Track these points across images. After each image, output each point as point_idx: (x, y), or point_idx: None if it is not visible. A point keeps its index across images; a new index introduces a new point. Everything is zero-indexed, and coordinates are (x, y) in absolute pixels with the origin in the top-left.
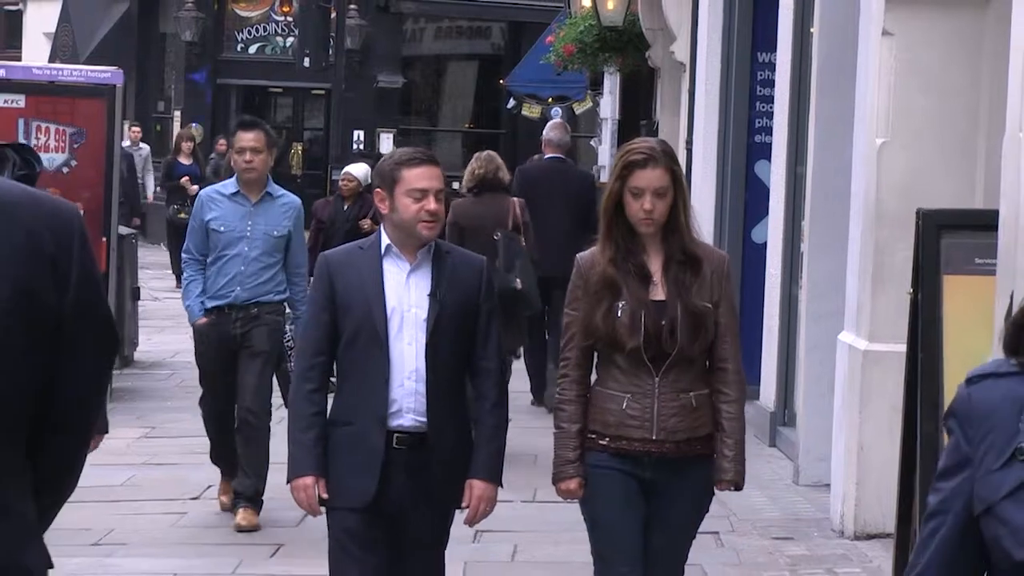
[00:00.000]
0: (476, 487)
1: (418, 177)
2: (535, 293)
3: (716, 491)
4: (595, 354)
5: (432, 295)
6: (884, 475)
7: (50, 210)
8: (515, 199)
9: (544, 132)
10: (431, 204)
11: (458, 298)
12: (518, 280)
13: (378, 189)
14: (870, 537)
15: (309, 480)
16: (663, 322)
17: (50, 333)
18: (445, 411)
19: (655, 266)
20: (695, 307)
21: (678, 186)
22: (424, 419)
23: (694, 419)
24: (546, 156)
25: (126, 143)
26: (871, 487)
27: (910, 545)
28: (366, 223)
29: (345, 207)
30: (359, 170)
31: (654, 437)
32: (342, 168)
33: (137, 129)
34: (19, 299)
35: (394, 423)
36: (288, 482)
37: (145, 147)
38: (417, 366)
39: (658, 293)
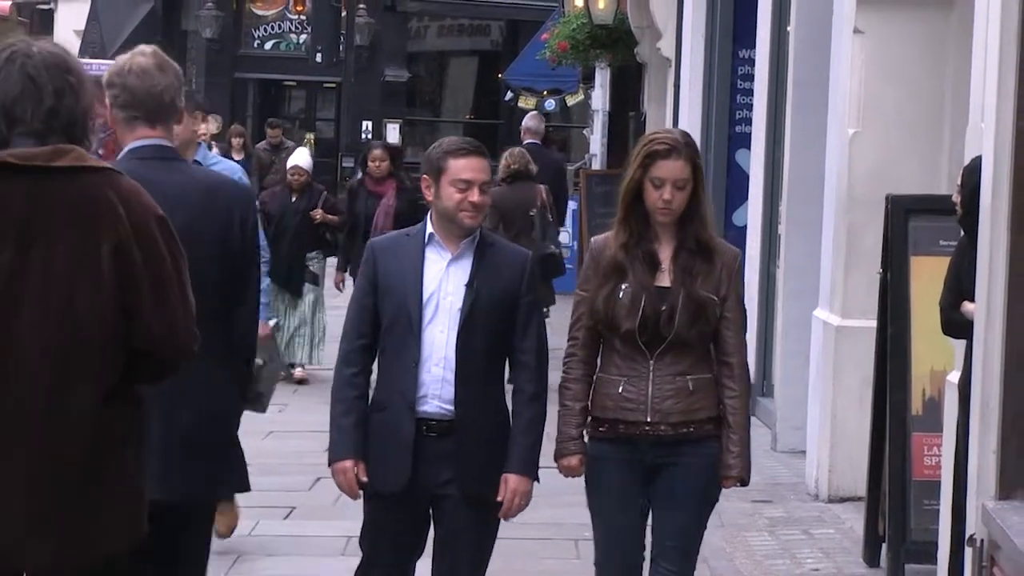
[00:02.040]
0: (510, 481)
1: (463, 168)
2: (560, 258)
3: (722, 485)
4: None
5: (469, 285)
6: (856, 442)
7: (235, 190)
8: (541, 185)
9: (523, 121)
10: (475, 195)
11: (497, 290)
12: (553, 247)
13: (424, 176)
14: (843, 500)
15: (348, 464)
16: (663, 307)
17: (233, 271)
18: (475, 400)
19: (665, 253)
20: (698, 295)
21: (698, 178)
22: (451, 407)
23: (690, 402)
24: (525, 141)
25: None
26: (843, 453)
27: (880, 507)
28: (317, 214)
29: (293, 199)
30: (307, 161)
31: (648, 419)
32: (352, 155)
33: (277, 130)
34: (218, 247)
35: (421, 408)
36: (329, 465)
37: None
38: (447, 354)
39: (664, 279)
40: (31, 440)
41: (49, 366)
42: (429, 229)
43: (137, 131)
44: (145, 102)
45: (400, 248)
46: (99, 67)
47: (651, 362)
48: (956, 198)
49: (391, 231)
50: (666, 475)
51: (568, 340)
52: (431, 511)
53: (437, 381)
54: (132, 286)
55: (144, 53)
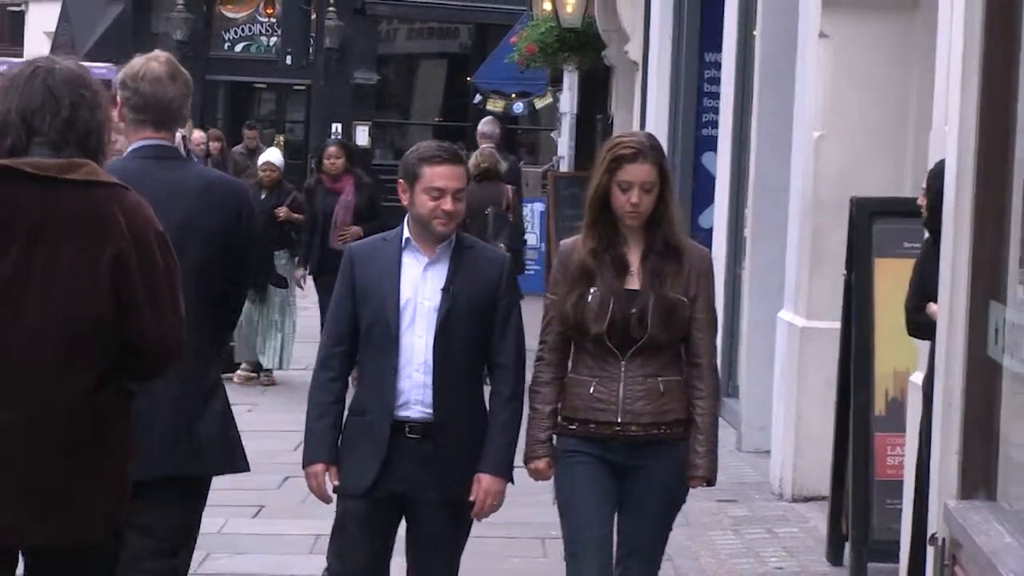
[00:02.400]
0: (484, 481)
1: (437, 176)
2: (520, 255)
3: (688, 485)
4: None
5: (445, 289)
6: (820, 443)
7: (233, 185)
8: (508, 186)
9: (479, 126)
10: (448, 204)
11: (475, 293)
12: (502, 245)
13: (400, 180)
14: (807, 499)
15: (319, 468)
16: (632, 310)
17: (233, 262)
18: (454, 404)
19: (634, 257)
20: (668, 298)
21: (665, 181)
22: (431, 411)
23: (661, 404)
24: (481, 146)
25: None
26: (808, 454)
27: (844, 506)
28: (281, 211)
29: (263, 196)
30: (279, 158)
31: (619, 420)
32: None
33: (254, 132)
34: (218, 238)
35: (402, 414)
36: (303, 468)
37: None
38: (426, 359)
39: (633, 283)
40: (28, 426)
41: (48, 358)
42: (406, 234)
43: (143, 132)
44: (155, 108)
45: (378, 253)
46: None
47: (623, 363)
48: (922, 201)
49: (351, 226)
50: (635, 478)
51: (539, 343)
52: (405, 511)
53: (418, 387)
54: (128, 291)
55: (159, 60)
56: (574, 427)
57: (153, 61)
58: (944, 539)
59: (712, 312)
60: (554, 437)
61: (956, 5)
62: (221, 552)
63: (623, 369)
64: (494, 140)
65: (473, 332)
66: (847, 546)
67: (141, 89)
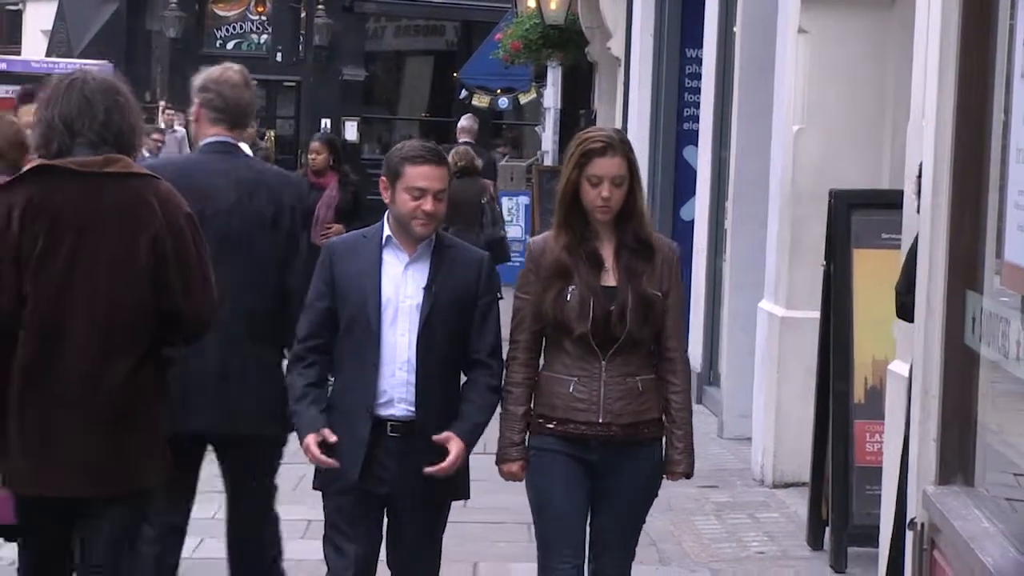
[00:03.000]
0: (456, 444)
1: (419, 176)
2: (504, 243)
3: (668, 479)
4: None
5: (427, 288)
6: (799, 430)
7: (284, 178)
8: (487, 181)
9: (459, 122)
10: (428, 204)
11: (455, 292)
12: (502, 231)
13: (383, 178)
14: (787, 486)
15: (309, 439)
16: (612, 307)
17: (283, 242)
18: (436, 402)
19: (607, 252)
20: (645, 293)
21: (634, 175)
22: (413, 409)
23: (640, 403)
24: (460, 140)
25: (160, 126)
26: (788, 441)
27: (823, 492)
28: None
29: None
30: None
31: (600, 420)
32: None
33: (172, 112)
34: (269, 220)
35: (384, 412)
36: (301, 446)
37: (180, 130)
38: (409, 357)
39: (609, 279)
40: (81, 397)
41: (96, 335)
42: (386, 231)
43: (216, 129)
44: (232, 111)
45: (357, 250)
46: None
47: (603, 363)
48: (915, 189)
49: (332, 223)
50: (610, 476)
51: (509, 343)
52: (387, 507)
53: (400, 384)
54: (165, 271)
55: (234, 70)
56: (552, 425)
57: (230, 70)
58: (923, 524)
59: (682, 305)
60: (527, 437)
61: (933, 1)
62: (215, 537)
63: (603, 368)
64: (472, 135)
65: (454, 330)
66: (827, 531)
67: (223, 92)
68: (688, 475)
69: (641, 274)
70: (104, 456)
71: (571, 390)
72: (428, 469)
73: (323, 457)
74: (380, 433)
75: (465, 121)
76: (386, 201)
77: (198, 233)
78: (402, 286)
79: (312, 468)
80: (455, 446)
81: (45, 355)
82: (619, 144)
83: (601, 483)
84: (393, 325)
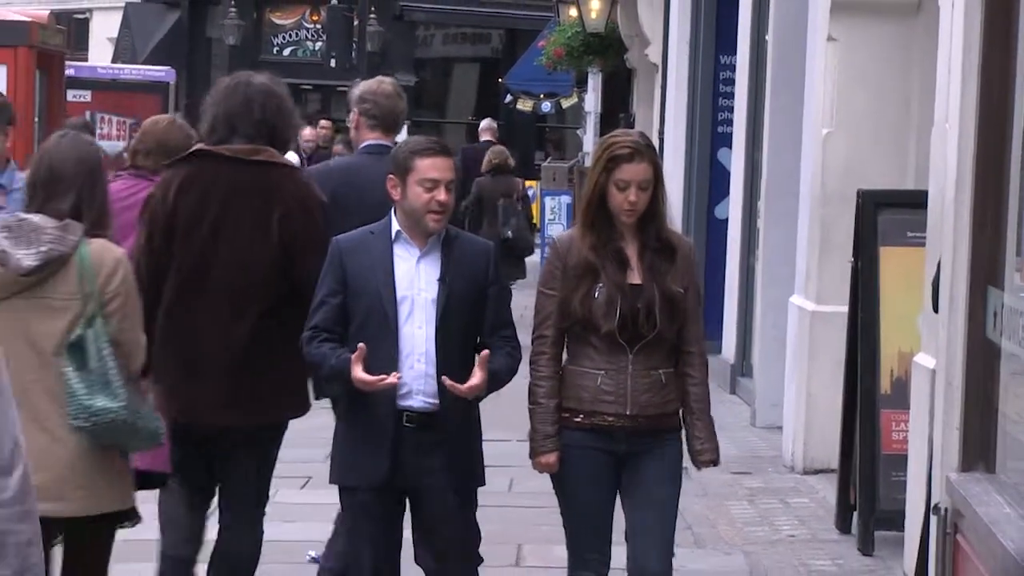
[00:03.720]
0: (480, 376)
1: (430, 167)
2: (527, 239)
3: (697, 469)
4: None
5: (441, 280)
6: (829, 419)
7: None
8: (519, 179)
9: (481, 124)
10: (441, 195)
11: (467, 282)
12: (509, 232)
13: (391, 175)
14: (817, 472)
15: (357, 370)
16: (639, 305)
17: None
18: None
19: (632, 252)
20: (670, 291)
21: (658, 178)
22: (435, 400)
23: (664, 395)
24: (483, 139)
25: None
26: (817, 429)
27: (851, 478)
28: None
29: None
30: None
31: (628, 412)
32: None
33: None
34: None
35: (404, 404)
36: (352, 383)
37: None
38: (427, 349)
39: (635, 278)
40: (213, 342)
41: (228, 291)
42: (395, 227)
43: (373, 134)
44: (387, 117)
45: (367, 246)
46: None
47: (630, 357)
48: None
49: None
50: (638, 463)
51: (535, 339)
52: (409, 497)
53: (420, 376)
54: (293, 242)
55: (388, 83)
56: (579, 419)
57: (384, 83)
58: (946, 509)
59: (700, 301)
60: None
61: (956, 10)
62: (272, 520)
63: (630, 363)
64: (493, 134)
65: (468, 320)
66: (855, 515)
67: (380, 102)
68: (715, 462)
69: (665, 272)
70: (233, 393)
71: (599, 383)
72: (450, 384)
73: (369, 379)
74: (399, 425)
75: (485, 123)
76: (395, 199)
77: (325, 217)
78: (416, 280)
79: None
80: (480, 374)
81: (186, 304)
82: (645, 149)
83: (628, 474)
84: (410, 318)
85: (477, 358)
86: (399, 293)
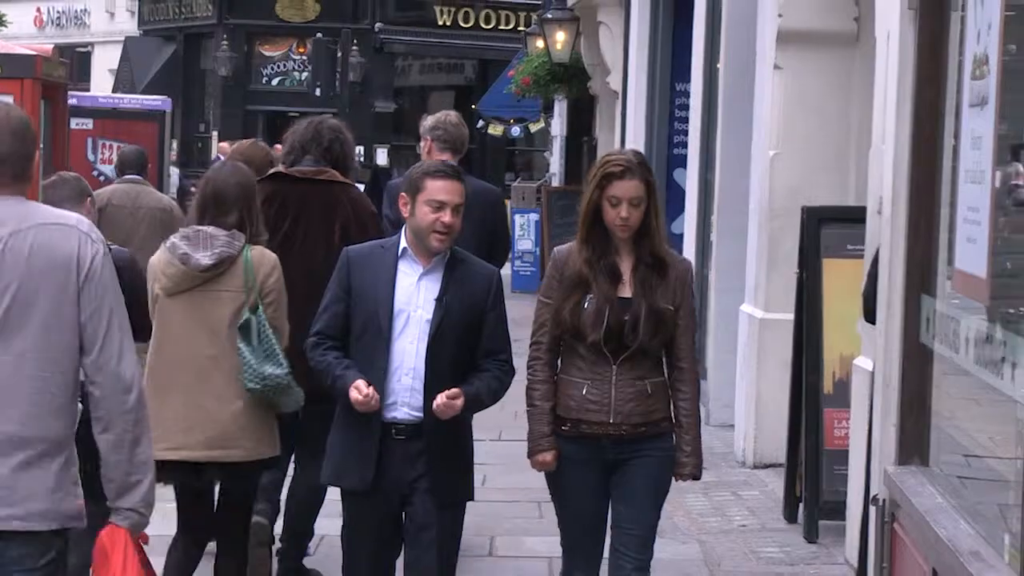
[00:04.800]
0: (459, 398)
1: (439, 189)
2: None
3: (676, 480)
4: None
5: (439, 299)
6: (776, 417)
7: (492, 191)
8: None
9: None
10: (447, 216)
11: (465, 304)
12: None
13: (403, 193)
14: (766, 466)
15: (360, 385)
16: (626, 318)
17: (489, 239)
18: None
19: (626, 267)
20: (657, 307)
21: (651, 195)
22: (419, 413)
23: (648, 404)
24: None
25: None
26: (766, 427)
27: (797, 472)
28: None
29: None
30: None
31: (611, 420)
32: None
33: (224, 145)
34: (481, 223)
35: (389, 415)
36: (349, 396)
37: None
38: (416, 364)
39: (625, 291)
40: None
41: (300, 291)
42: (403, 243)
43: (444, 155)
44: (454, 142)
45: (374, 259)
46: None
47: (614, 367)
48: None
49: None
50: (624, 469)
51: (532, 344)
52: (402, 507)
53: (406, 390)
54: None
55: (451, 115)
56: (566, 427)
57: (450, 114)
58: (885, 500)
59: (693, 318)
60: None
61: (891, 42)
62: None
63: (614, 373)
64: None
65: (462, 341)
66: (801, 506)
67: (448, 129)
68: (695, 476)
69: (655, 288)
70: (305, 380)
71: (584, 392)
72: (437, 402)
73: (370, 397)
74: (386, 436)
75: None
76: (404, 216)
77: (377, 227)
78: (415, 296)
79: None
80: (457, 400)
81: None
82: (637, 167)
83: (615, 476)
84: (403, 332)
85: (446, 394)
86: (396, 307)
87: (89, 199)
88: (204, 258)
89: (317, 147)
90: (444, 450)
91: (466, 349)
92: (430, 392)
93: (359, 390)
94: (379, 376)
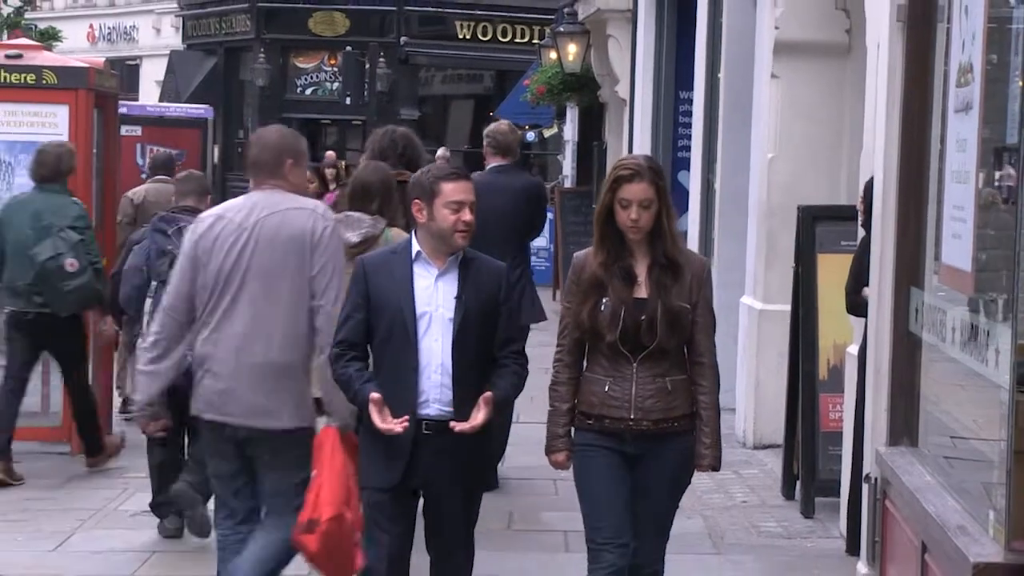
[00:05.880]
0: (488, 403)
1: (456, 191)
2: None
3: (697, 470)
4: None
5: (458, 298)
6: (774, 402)
7: (531, 181)
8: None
9: (438, 152)
10: (467, 215)
11: (481, 300)
12: None
13: (416, 200)
14: (765, 447)
15: (375, 417)
16: (642, 318)
17: (524, 228)
18: (470, 401)
19: (641, 268)
20: (673, 306)
21: (662, 197)
22: (450, 409)
23: (669, 401)
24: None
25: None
26: (765, 410)
27: (794, 453)
28: None
29: None
30: None
31: (632, 416)
32: None
33: (331, 153)
34: (524, 209)
35: (422, 412)
36: (367, 411)
37: None
38: (443, 361)
39: (641, 292)
40: None
41: None
42: (415, 248)
43: (497, 159)
44: (504, 147)
45: (389, 265)
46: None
47: (634, 366)
48: (860, 206)
49: None
50: (645, 465)
51: (556, 346)
52: (424, 496)
53: (436, 387)
54: None
55: (505, 123)
56: (591, 422)
57: (503, 124)
58: (876, 478)
59: (711, 315)
60: (572, 431)
61: (881, 52)
62: None
63: (635, 370)
64: (445, 160)
65: (482, 335)
66: (798, 484)
67: (498, 137)
68: (715, 468)
69: (670, 288)
70: None
71: (607, 389)
72: (457, 426)
73: (385, 415)
74: (418, 432)
75: (440, 151)
76: (420, 221)
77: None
78: (434, 296)
79: None
80: (485, 410)
81: None
82: (647, 171)
83: (637, 470)
84: (428, 332)
85: (481, 399)
86: (419, 309)
87: (208, 196)
88: (353, 236)
89: (394, 153)
90: (473, 444)
91: (487, 341)
92: (459, 387)
93: (382, 417)
94: (409, 376)
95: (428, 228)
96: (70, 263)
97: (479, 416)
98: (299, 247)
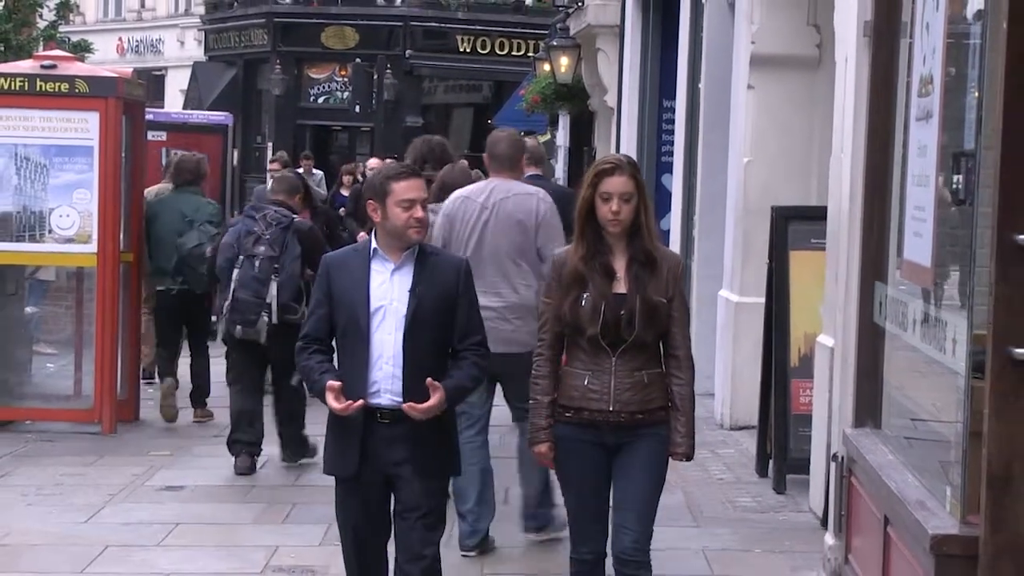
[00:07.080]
0: (439, 393)
1: (406, 189)
2: None
3: (672, 459)
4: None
5: (411, 291)
6: (750, 387)
7: (561, 189)
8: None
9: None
10: (418, 212)
11: (436, 293)
12: None
13: (370, 200)
14: (740, 428)
15: (333, 386)
16: (622, 312)
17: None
18: (421, 392)
19: (619, 264)
20: (651, 300)
21: (641, 193)
22: (400, 398)
23: (646, 393)
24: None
25: (300, 170)
26: (741, 395)
27: (768, 433)
28: None
29: None
30: None
31: (611, 408)
32: None
33: (309, 160)
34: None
35: (373, 401)
36: (322, 398)
37: (319, 173)
38: (395, 352)
39: (620, 287)
40: None
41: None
42: (373, 244)
43: (531, 169)
44: (539, 158)
45: (349, 262)
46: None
47: (613, 359)
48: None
49: None
50: (624, 453)
51: (536, 342)
52: (389, 489)
53: (388, 377)
54: None
55: (534, 139)
56: (570, 414)
57: (530, 138)
58: (843, 457)
59: (686, 309)
60: (552, 422)
61: (849, 65)
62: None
63: (614, 364)
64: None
65: (437, 328)
66: (771, 462)
67: (530, 148)
68: (688, 457)
69: (647, 283)
70: None
71: (586, 382)
72: (408, 406)
73: (341, 399)
74: (372, 421)
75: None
76: (376, 221)
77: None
78: (389, 291)
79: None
80: (436, 395)
81: None
82: (627, 165)
83: (616, 459)
84: (381, 325)
85: (428, 384)
86: (373, 304)
87: (298, 195)
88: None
89: (432, 158)
90: (427, 432)
91: (443, 333)
92: (409, 378)
93: (336, 399)
94: (361, 367)
95: (383, 226)
96: (209, 250)
97: (430, 401)
98: (525, 222)
